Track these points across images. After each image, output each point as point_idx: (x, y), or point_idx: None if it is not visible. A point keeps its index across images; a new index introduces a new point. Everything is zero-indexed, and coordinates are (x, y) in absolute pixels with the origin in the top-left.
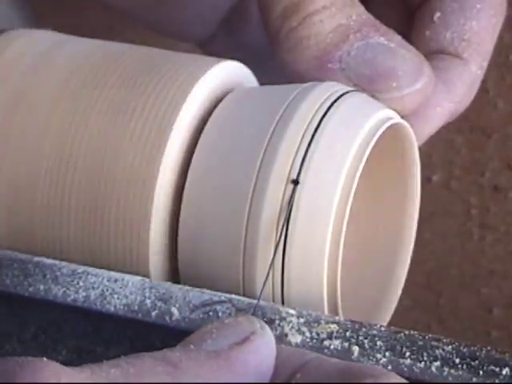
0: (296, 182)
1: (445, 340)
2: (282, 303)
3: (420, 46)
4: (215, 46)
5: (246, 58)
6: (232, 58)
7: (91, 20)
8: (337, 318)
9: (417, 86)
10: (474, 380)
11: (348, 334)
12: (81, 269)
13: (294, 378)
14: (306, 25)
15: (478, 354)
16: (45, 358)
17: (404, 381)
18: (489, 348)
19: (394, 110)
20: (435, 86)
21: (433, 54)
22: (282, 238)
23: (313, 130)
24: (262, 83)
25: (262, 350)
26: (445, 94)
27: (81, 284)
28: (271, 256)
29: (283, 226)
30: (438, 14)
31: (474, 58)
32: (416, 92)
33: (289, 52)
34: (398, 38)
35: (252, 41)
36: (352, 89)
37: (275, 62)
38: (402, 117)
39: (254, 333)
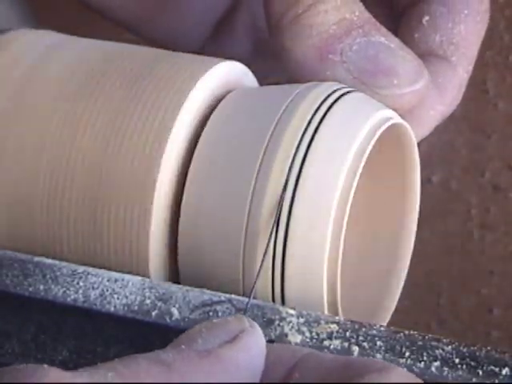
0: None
1: (444, 340)
2: (282, 303)
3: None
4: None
5: None
6: None
7: (91, 20)
8: (337, 318)
9: (417, 87)
10: (474, 380)
11: (348, 333)
12: (81, 269)
13: (291, 377)
14: (311, 13)
15: (477, 354)
16: (45, 365)
17: (406, 372)
18: (488, 348)
19: (392, 107)
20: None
21: (421, 56)
22: (282, 237)
23: (313, 129)
24: (262, 83)
25: (252, 347)
26: (437, 97)
27: (81, 284)
28: (271, 256)
29: (284, 227)
30: (426, 18)
31: (461, 62)
32: (415, 92)
33: (290, 40)
34: (397, 40)
35: (239, 52)
36: (352, 89)
37: (260, 70)
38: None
39: (243, 331)
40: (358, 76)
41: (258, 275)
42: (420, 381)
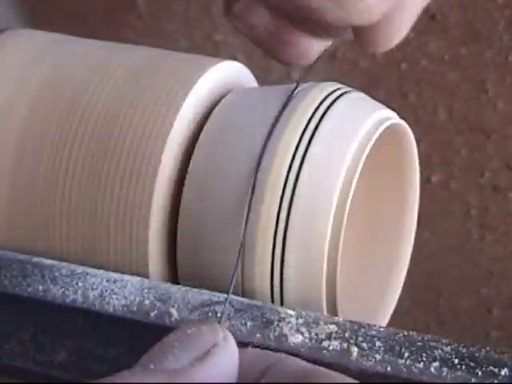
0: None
1: (444, 340)
2: (281, 304)
3: None
4: None
5: None
6: None
7: (91, 20)
8: (336, 318)
9: None
10: (473, 380)
11: (347, 334)
12: (80, 269)
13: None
14: None
15: (476, 354)
16: None
17: None
18: (487, 348)
19: (363, 20)
20: None
21: None
22: (281, 238)
23: (312, 129)
24: (261, 83)
25: (224, 363)
26: None
27: (80, 284)
28: (270, 257)
29: (283, 227)
30: None
31: None
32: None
33: None
34: None
35: None
36: (351, 89)
37: None
38: (369, 26)
39: (216, 345)
40: None
41: (234, 274)
42: None
